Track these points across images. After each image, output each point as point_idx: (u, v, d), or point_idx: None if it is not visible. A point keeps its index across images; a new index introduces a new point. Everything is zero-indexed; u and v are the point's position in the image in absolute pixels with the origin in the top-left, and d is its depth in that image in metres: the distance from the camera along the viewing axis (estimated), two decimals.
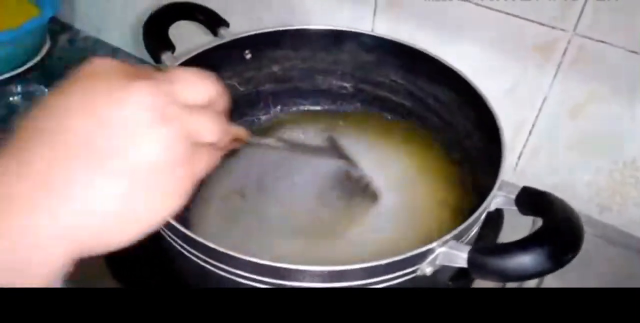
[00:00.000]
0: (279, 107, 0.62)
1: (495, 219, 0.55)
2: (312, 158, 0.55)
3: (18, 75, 0.82)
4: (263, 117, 0.62)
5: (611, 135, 0.58)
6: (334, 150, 0.55)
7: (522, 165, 0.66)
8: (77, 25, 0.93)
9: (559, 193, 0.64)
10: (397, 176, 0.57)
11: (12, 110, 0.76)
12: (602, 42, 0.53)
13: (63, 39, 0.91)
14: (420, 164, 0.59)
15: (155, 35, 0.54)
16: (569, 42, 0.54)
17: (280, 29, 0.56)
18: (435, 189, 0.56)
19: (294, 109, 0.63)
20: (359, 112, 0.63)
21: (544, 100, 0.59)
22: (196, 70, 0.29)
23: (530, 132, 0.63)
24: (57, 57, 0.88)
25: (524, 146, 0.64)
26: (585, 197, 0.63)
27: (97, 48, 0.90)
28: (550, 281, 0.53)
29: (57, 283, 0.25)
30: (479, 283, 0.50)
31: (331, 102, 0.62)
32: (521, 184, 0.65)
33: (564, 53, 0.55)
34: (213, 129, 0.28)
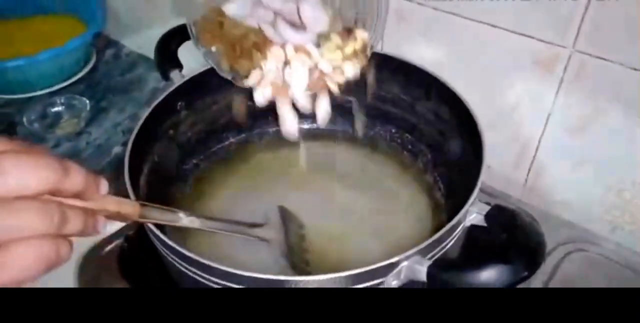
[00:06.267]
0: None
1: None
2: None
3: (65, 87, 0.89)
4: (271, 130, 0.65)
5: (619, 153, 0.57)
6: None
7: (531, 181, 0.65)
8: (122, 40, 1.00)
9: (569, 210, 0.64)
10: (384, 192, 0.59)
11: (59, 118, 0.83)
12: (602, 58, 0.52)
13: (109, 53, 0.98)
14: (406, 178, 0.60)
15: (166, 54, 0.57)
16: (569, 59, 0.54)
17: None
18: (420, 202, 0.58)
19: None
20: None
21: (549, 116, 0.59)
22: (27, 158, 0.27)
23: (537, 148, 0.62)
24: (102, 71, 0.94)
25: (532, 162, 0.63)
26: (596, 215, 0.62)
27: (138, 62, 0.96)
28: None
29: None
30: None
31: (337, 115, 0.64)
32: (530, 201, 0.66)
33: (565, 69, 0.55)
34: (28, 222, 0.26)
